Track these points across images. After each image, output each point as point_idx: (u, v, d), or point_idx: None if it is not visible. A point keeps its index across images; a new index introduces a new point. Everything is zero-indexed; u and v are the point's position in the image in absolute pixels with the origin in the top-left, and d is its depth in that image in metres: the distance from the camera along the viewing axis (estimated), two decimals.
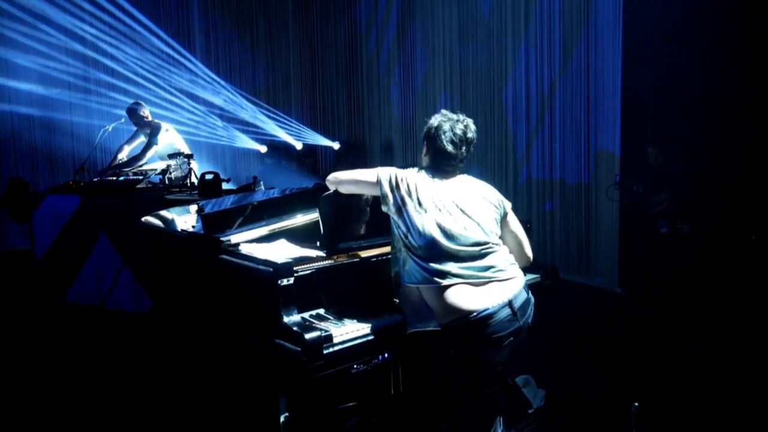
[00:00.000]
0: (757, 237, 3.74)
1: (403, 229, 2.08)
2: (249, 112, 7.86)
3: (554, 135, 5.46)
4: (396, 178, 2.12)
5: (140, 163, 5.12)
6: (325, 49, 8.51)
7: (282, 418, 2.27)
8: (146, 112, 5.34)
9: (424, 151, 2.22)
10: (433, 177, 2.15)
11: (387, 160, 8.04)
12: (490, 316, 1.98)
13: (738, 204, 3.86)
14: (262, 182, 4.83)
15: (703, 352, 3.36)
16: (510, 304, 2.01)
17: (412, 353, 2.28)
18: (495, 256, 2.08)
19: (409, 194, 2.08)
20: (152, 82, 7.24)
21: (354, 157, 8.27)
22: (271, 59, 8.30)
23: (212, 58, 7.87)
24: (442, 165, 2.16)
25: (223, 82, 7.79)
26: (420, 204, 2.07)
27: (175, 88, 7.42)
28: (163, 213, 3.30)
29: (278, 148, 7.91)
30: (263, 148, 7.79)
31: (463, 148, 2.15)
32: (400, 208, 2.08)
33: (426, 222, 2.05)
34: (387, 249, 2.43)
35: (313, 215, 2.44)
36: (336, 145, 8.18)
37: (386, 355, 2.21)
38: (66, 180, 5.26)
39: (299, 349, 1.91)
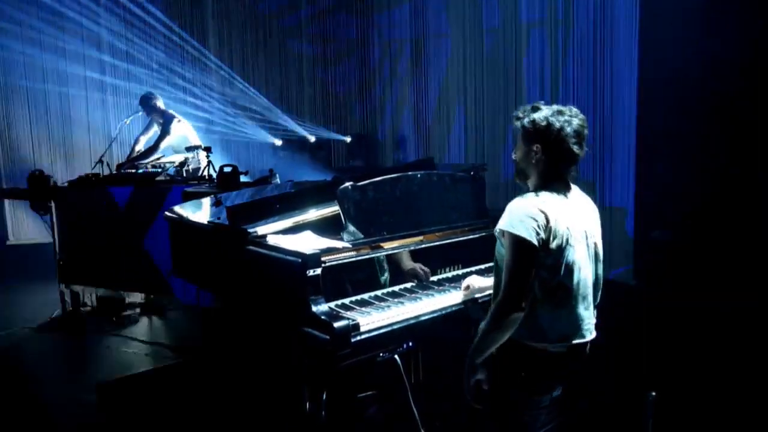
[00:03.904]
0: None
1: (547, 272, 1.83)
2: (262, 105, 7.91)
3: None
4: (537, 224, 1.79)
5: (155, 154, 5.18)
6: (337, 42, 8.54)
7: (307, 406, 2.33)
8: (159, 102, 5.40)
9: (536, 155, 1.88)
10: (555, 193, 1.89)
11: (399, 154, 8.07)
12: (581, 353, 1.94)
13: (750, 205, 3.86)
14: (278, 175, 4.89)
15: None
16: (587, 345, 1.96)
17: (435, 342, 2.32)
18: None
19: (556, 229, 1.81)
20: (166, 75, 7.30)
21: (366, 150, 8.30)
22: (284, 53, 8.34)
23: (225, 51, 7.91)
24: (563, 171, 1.90)
25: (236, 76, 7.83)
26: (570, 237, 1.83)
27: (189, 80, 7.48)
28: (184, 206, 3.36)
29: (291, 141, 7.96)
30: (278, 141, 7.84)
31: (584, 146, 1.89)
32: (545, 243, 1.81)
33: (576, 257, 1.85)
34: (408, 240, 2.48)
35: (335, 208, 2.48)
36: (348, 139, 8.22)
37: (410, 344, 2.26)
38: (85, 173, 5.33)
39: (327, 337, 1.96)
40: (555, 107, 1.89)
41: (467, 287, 2.34)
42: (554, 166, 1.88)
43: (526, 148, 1.91)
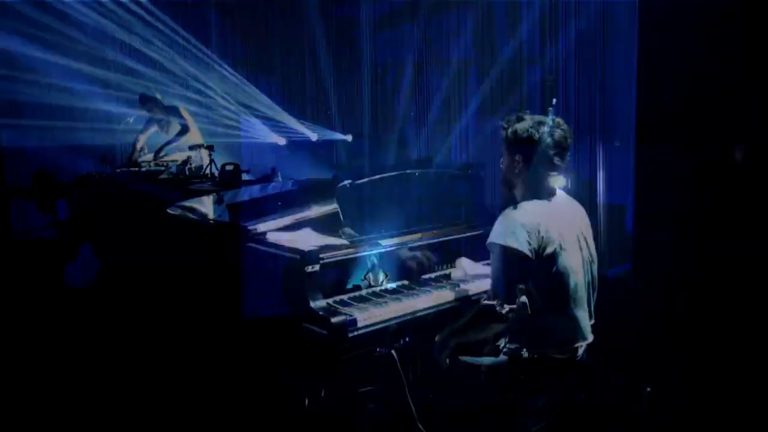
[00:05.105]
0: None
1: (543, 280, 1.83)
2: (265, 104, 7.95)
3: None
4: (529, 234, 1.80)
5: (183, 139, 5.28)
6: (340, 41, 8.57)
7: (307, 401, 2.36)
8: (158, 96, 5.53)
9: (518, 164, 1.93)
10: (543, 201, 1.92)
11: (401, 153, 8.09)
12: (579, 356, 1.95)
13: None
14: (279, 173, 4.94)
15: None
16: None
17: (432, 338, 2.35)
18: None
19: (548, 237, 1.83)
20: (170, 73, 7.35)
21: (367, 149, 8.33)
22: (286, 53, 8.38)
23: (228, 51, 7.95)
24: (543, 179, 1.93)
25: (239, 75, 7.87)
26: (562, 242, 1.85)
27: (192, 79, 7.53)
28: (186, 204, 3.40)
29: (293, 140, 8.00)
30: (281, 140, 7.88)
31: (566, 157, 1.95)
32: (538, 252, 1.82)
33: (570, 262, 1.87)
34: (406, 238, 2.52)
35: (334, 206, 2.52)
36: (349, 138, 8.26)
37: (407, 339, 2.30)
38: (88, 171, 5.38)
39: (325, 332, 2.00)
40: (538, 118, 1.93)
41: (460, 271, 2.45)
42: (536, 176, 1.92)
43: (509, 158, 1.96)
